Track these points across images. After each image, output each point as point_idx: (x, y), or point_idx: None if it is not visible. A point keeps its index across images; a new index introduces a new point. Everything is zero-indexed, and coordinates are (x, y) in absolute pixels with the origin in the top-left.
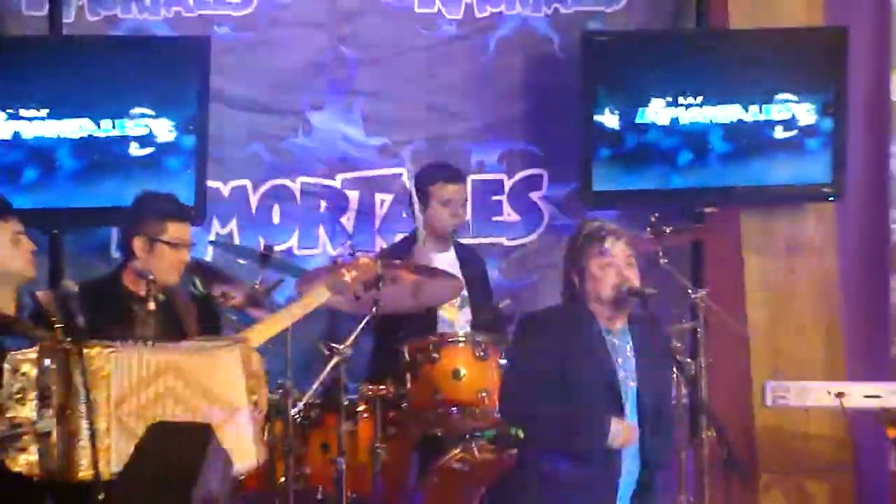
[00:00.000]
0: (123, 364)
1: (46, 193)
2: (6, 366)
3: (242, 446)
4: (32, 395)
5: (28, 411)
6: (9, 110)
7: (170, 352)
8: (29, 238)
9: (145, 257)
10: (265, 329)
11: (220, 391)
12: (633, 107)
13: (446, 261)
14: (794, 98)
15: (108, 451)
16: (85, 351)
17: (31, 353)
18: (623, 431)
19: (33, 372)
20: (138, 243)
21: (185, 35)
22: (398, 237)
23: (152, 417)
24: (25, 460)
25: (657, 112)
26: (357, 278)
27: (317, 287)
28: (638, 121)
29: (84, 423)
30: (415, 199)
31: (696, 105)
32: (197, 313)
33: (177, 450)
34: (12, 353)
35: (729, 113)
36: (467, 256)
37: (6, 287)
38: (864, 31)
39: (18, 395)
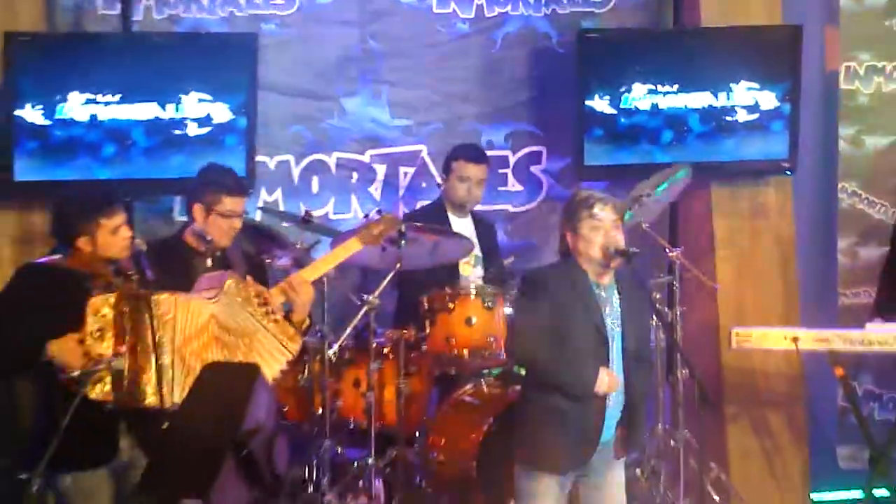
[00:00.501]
0: (186, 311)
1: (122, 167)
2: (88, 308)
3: (274, 354)
4: (109, 333)
5: (105, 347)
6: (87, 96)
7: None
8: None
9: (202, 222)
10: (307, 274)
11: (238, 327)
12: (620, 94)
13: (463, 225)
14: (757, 86)
15: (171, 382)
16: (153, 297)
17: (111, 298)
18: (608, 381)
19: (111, 314)
20: (197, 209)
21: (237, 31)
22: (419, 204)
23: (208, 359)
24: (101, 390)
25: (641, 98)
26: (383, 232)
27: (350, 239)
28: (624, 106)
29: (151, 358)
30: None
31: (674, 92)
32: (247, 269)
33: (228, 386)
34: (93, 298)
35: (701, 99)
36: (481, 223)
37: None
38: (816, 29)
39: (98, 334)
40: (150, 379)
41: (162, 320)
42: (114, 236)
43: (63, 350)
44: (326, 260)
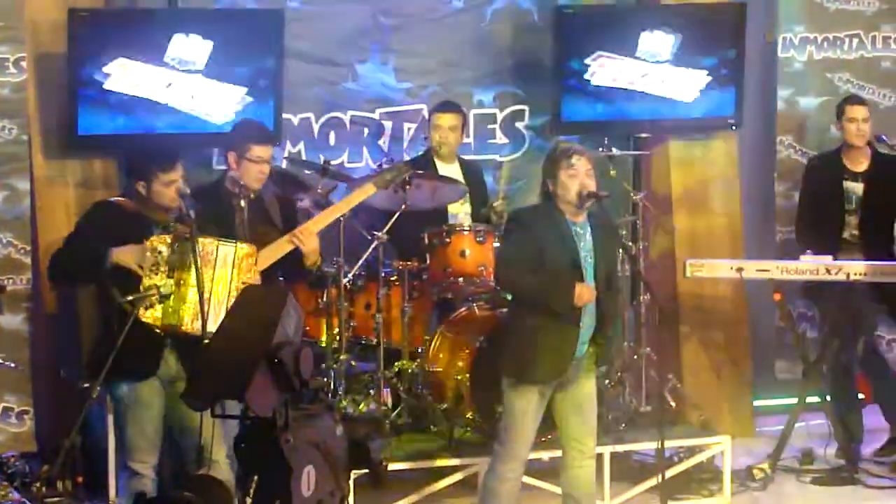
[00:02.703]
0: (224, 254)
1: (169, 123)
2: (147, 245)
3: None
4: (163, 268)
5: (159, 280)
6: (139, 62)
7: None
8: (182, 183)
9: (236, 168)
10: (313, 226)
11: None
12: (591, 61)
13: (450, 170)
14: (706, 54)
15: (208, 313)
16: (200, 240)
17: (167, 238)
18: (584, 292)
19: (166, 252)
20: (231, 157)
21: (266, 7)
22: (417, 155)
23: (235, 294)
24: (152, 314)
25: (608, 64)
26: (394, 178)
27: (365, 183)
28: (594, 71)
29: (192, 292)
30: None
31: (635, 59)
32: (279, 208)
33: (263, 304)
34: (152, 237)
35: (659, 65)
36: (468, 168)
37: None
38: (757, 6)
39: (153, 267)
40: (189, 309)
41: (205, 261)
42: (166, 189)
43: (122, 254)
44: (334, 209)
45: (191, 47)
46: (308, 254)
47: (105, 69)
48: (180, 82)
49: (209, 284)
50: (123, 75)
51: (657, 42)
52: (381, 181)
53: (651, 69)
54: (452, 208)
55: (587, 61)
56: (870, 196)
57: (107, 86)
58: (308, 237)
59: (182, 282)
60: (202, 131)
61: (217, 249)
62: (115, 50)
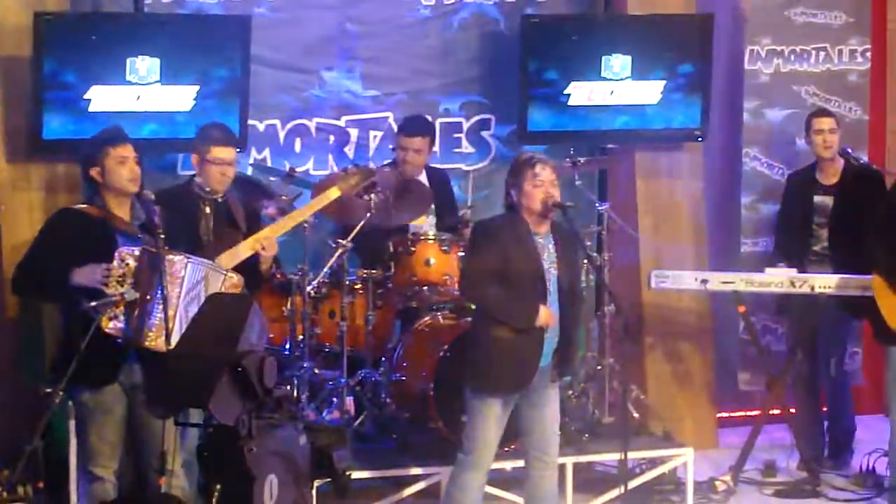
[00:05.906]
0: (193, 271)
1: (133, 128)
2: (116, 255)
3: None
4: (129, 280)
5: (123, 291)
6: (103, 66)
7: (206, 265)
8: (136, 163)
9: (199, 170)
10: (272, 232)
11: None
12: (557, 70)
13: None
14: (674, 65)
15: (172, 330)
16: (168, 257)
17: (136, 251)
18: (546, 316)
19: (133, 264)
20: (194, 159)
21: (233, 14)
22: (384, 163)
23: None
24: (114, 325)
25: (574, 74)
26: (359, 182)
27: (330, 187)
28: (560, 81)
29: (157, 308)
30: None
31: (601, 70)
32: (244, 213)
33: (227, 313)
34: (122, 248)
35: (625, 75)
36: (435, 176)
37: (122, 199)
38: (725, 18)
39: (120, 278)
40: (154, 324)
41: (173, 278)
42: (120, 166)
43: (81, 275)
44: (297, 214)
45: (153, 63)
46: (265, 259)
47: (69, 73)
48: (147, 93)
49: (174, 301)
50: (87, 79)
51: (617, 62)
52: (346, 185)
53: (617, 85)
54: (419, 220)
55: (552, 71)
56: (839, 209)
57: (71, 90)
58: (271, 245)
59: (148, 296)
60: (170, 137)
61: (186, 268)
62: (79, 54)
